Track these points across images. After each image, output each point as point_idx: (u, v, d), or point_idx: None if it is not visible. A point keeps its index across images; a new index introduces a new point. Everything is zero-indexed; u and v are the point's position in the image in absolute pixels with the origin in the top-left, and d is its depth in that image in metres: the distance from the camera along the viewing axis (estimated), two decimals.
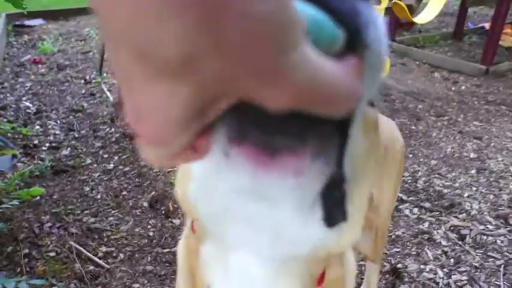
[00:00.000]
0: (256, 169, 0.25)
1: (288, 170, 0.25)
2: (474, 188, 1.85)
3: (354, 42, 0.22)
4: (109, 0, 0.17)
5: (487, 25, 3.03)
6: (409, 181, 1.88)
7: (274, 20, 0.17)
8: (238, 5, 0.16)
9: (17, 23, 4.10)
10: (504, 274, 1.38)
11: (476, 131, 2.36)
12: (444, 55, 3.54)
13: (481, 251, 1.48)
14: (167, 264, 1.42)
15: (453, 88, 2.97)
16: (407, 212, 1.68)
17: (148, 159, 0.23)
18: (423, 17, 2.89)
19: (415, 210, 1.69)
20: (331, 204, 0.27)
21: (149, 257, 1.44)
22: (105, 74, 2.95)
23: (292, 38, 0.18)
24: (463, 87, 2.98)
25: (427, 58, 3.43)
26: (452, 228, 1.60)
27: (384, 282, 1.35)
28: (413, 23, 3.20)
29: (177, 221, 1.59)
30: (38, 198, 1.69)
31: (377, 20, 0.24)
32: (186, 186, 0.31)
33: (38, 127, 2.30)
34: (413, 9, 3.42)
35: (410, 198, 1.76)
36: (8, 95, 2.68)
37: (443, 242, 1.53)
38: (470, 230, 1.58)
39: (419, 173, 1.94)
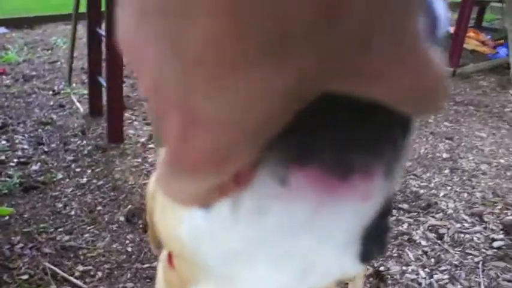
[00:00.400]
0: (322, 196, 0.20)
1: (358, 194, 0.20)
2: (449, 188, 1.89)
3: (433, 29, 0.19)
4: None
5: (451, 29, 3.14)
6: None
7: None
8: None
9: None
10: (483, 270, 1.42)
11: (447, 132, 2.43)
12: None
13: (459, 249, 1.52)
14: (148, 280, 1.38)
15: None
16: None
17: (174, 196, 0.17)
18: None
19: (394, 212, 1.72)
20: (375, 236, 0.23)
21: (129, 274, 1.40)
22: (74, 85, 2.87)
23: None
24: None
25: None
26: (430, 228, 1.63)
27: (368, 285, 1.36)
28: None
29: None
30: (7, 218, 1.61)
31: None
32: (175, 225, 0.26)
33: (4, 142, 2.20)
34: None
35: None
36: None
37: (423, 242, 1.56)
38: (448, 228, 1.62)
39: None
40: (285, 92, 0.13)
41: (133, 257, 1.46)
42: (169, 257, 0.36)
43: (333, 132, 0.18)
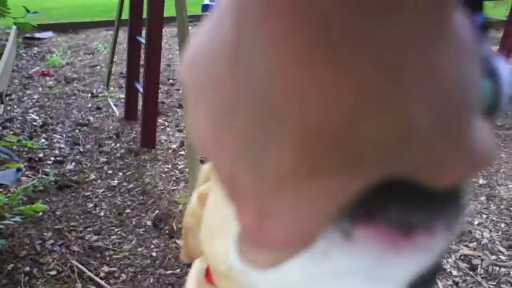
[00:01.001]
0: (385, 249, 0.21)
1: (420, 249, 0.22)
2: (484, 216, 1.81)
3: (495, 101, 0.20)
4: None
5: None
6: None
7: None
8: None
9: (28, 35, 4.15)
10: None
11: None
12: None
13: (494, 283, 1.44)
14: (170, 287, 1.39)
15: None
16: None
17: (250, 261, 0.18)
18: None
19: None
20: (424, 281, 0.24)
21: (152, 279, 1.41)
22: (112, 88, 2.97)
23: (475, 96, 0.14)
24: None
25: None
26: (462, 257, 1.56)
27: None
28: None
29: (180, 242, 1.56)
30: (40, 214, 1.67)
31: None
32: (226, 252, 0.26)
33: (43, 140, 2.29)
34: None
35: None
36: (15, 107, 2.69)
37: (454, 272, 1.49)
38: (482, 260, 1.54)
39: None
40: (354, 193, 0.15)
41: (157, 262, 1.47)
42: (208, 271, 0.35)
43: (398, 189, 0.19)
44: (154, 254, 1.51)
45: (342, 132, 0.13)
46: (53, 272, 1.40)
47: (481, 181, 2.09)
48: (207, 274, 0.35)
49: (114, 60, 3.01)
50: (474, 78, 0.15)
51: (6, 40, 3.85)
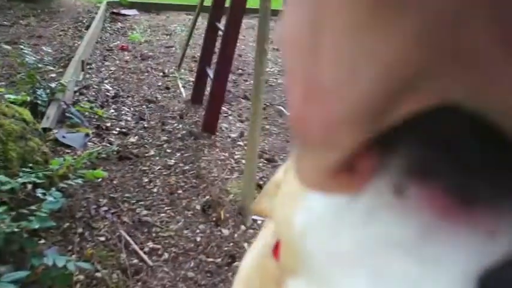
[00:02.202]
0: (440, 218, 0.19)
1: (481, 227, 0.19)
2: None
3: None
4: None
5: None
6: None
7: None
8: None
9: (114, 10, 4.37)
10: None
11: None
12: None
13: None
14: (208, 275, 1.37)
15: None
16: None
17: (302, 173, 0.18)
18: None
19: None
20: (498, 284, 0.19)
21: (192, 263, 1.40)
22: (182, 71, 3.03)
23: None
24: None
25: None
26: None
27: None
28: None
29: (225, 231, 1.54)
30: (100, 180, 1.73)
31: None
32: (292, 214, 0.26)
33: (112, 111, 2.39)
34: None
35: None
36: (93, 76, 2.84)
37: None
38: None
39: None
40: (391, 66, 0.13)
41: (200, 247, 1.46)
42: (276, 246, 0.34)
43: (463, 152, 0.16)
44: (198, 238, 1.50)
45: None
46: (102, 238, 1.44)
47: None
48: (275, 249, 0.33)
49: (190, 43, 3.06)
50: None
51: (96, 13, 4.08)
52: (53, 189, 1.41)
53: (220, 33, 2.18)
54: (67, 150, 1.93)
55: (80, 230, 1.45)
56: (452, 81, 0.13)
